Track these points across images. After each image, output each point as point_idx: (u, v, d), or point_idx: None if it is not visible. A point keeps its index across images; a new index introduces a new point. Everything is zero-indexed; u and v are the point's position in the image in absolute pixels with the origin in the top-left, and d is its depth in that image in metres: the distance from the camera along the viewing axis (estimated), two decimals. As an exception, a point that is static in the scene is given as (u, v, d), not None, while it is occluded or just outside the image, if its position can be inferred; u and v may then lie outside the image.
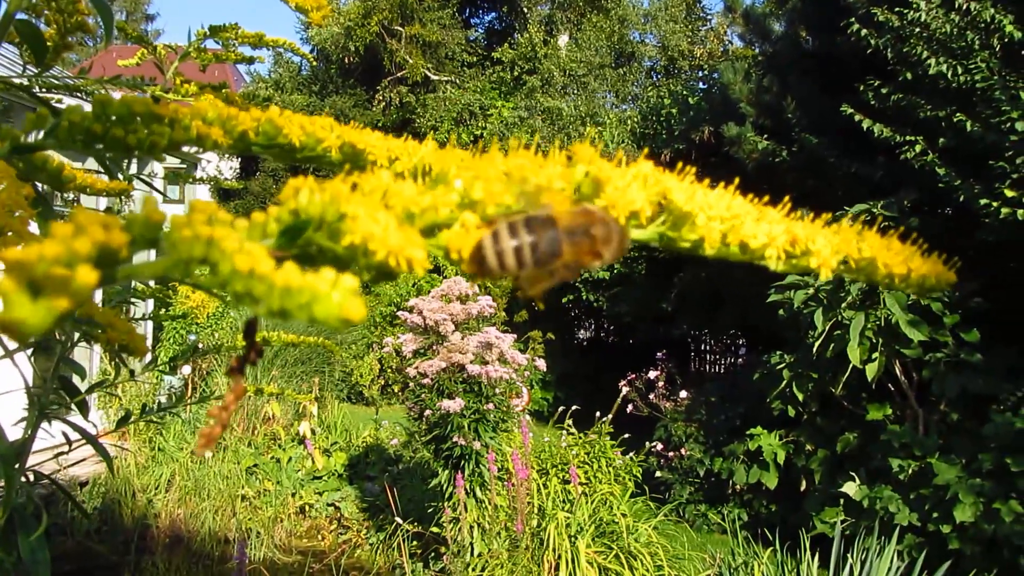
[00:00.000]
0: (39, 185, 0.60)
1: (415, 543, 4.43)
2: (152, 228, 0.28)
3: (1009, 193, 4.08)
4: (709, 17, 15.83)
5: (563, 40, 15.00)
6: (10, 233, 0.40)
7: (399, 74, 14.48)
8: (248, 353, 0.34)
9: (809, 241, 0.39)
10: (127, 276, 0.27)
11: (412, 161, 0.47)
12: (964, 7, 4.47)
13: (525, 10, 15.65)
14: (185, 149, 0.45)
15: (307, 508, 5.43)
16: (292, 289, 0.25)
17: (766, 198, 0.41)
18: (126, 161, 1.15)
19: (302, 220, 0.29)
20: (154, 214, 0.28)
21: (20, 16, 0.62)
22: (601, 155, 0.41)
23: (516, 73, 14.16)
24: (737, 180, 0.42)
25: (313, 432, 6.11)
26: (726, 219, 0.39)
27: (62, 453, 1.02)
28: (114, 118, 0.40)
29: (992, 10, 4.32)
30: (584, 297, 9.55)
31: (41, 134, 0.42)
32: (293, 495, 5.45)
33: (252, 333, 0.34)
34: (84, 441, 0.95)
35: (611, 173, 0.38)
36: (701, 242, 0.39)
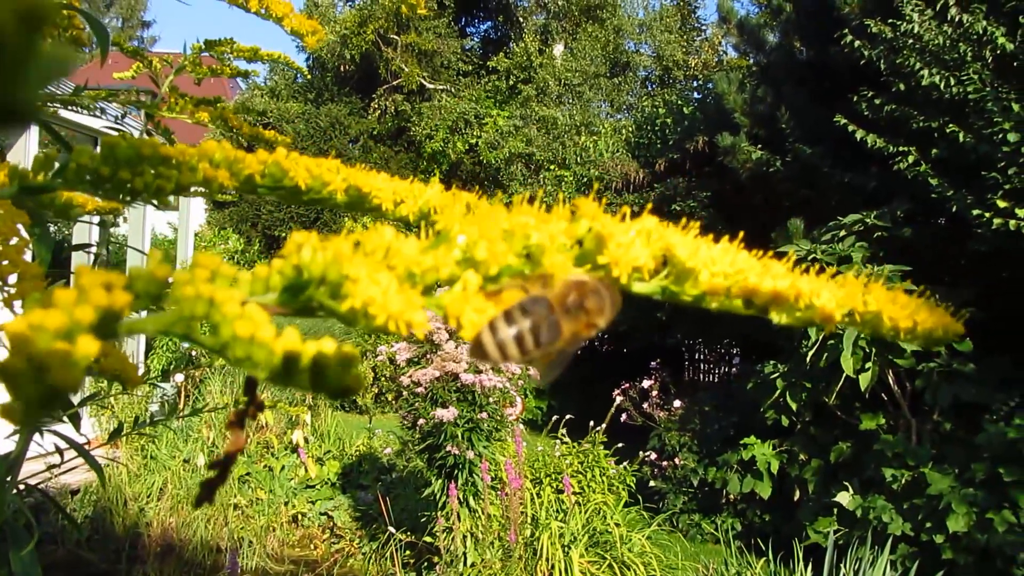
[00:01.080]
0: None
1: (408, 552, 4.41)
2: (156, 284, 0.28)
3: (1001, 204, 4.09)
4: (704, 28, 15.91)
5: (558, 50, 15.06)
6: (5, 262, 0.40)
7: (395, 82, 14.51)
8: (248, 408, 0.34)
9: (814, 296, 0.39)
10: (128, 331, 0.26)
11: (417, 204, 0.47)
12: (956, 19, 4.50)
13: (521, 20, 15.70)
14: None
15: (300, 517, 5.40)
16: (292, 357, 0.25)
17: (770, 253, 0.41)
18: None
19: (304, 279, 0.30)
20: (158, 270, 0.28)
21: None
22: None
23: (511, 82, 14.20)
24: (741, 234, 0.42)
25: (306, 441, 6.09)
26: (730, 274, 0.39)
27: (54, 465, 1.02)
28: (122, 160, 0.41)
29: (984, 22, 4.35)
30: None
31: (50, 175, 0.42)
32: (286, 504, 5.42)
33: (253, 390, 0.35)
34: (75, 454, 0.94)
35: (614, 229, 0.38)
36: (704, 297, 0.39)
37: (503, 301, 0.36)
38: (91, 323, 0.23)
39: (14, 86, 0.19)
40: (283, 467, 5.73)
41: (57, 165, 0.41)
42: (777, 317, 0.40)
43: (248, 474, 5.56)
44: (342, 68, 14.62)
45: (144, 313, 0.28)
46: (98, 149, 0.41)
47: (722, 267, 0.39)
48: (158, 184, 0.41)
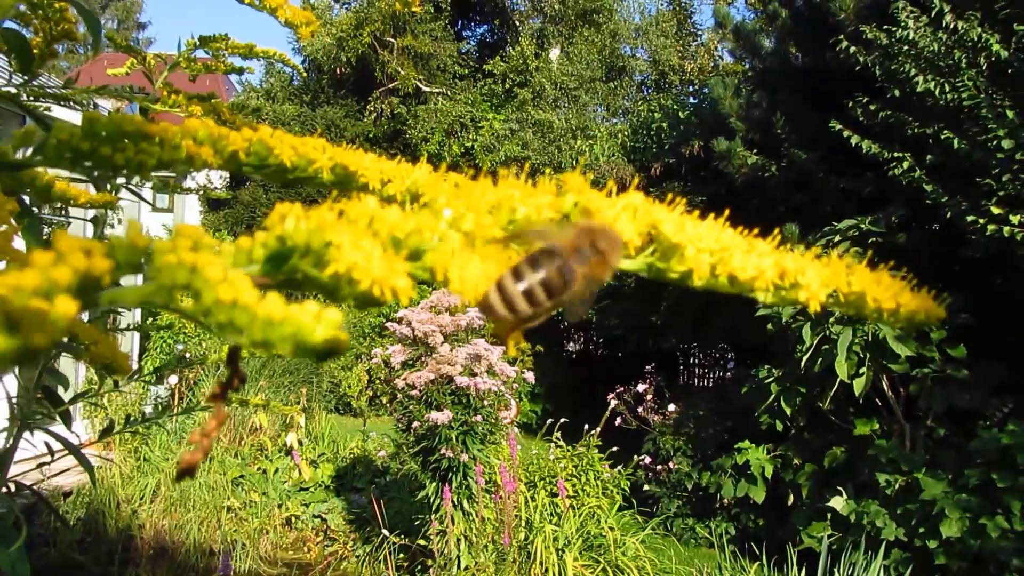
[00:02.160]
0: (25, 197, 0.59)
1: (402, 556, 4.40)
2: (136, 253, 0.27)
3: (995, 210, 4.11)
4: (700, 32, 15.93)
5: (554, 53, 15.07)
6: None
7: (390, 85, 14.51)
8: (231, 379, 0.34)
9: (799, 274, 0.39)
10: (110, 302, 0.26)
11: (405, 184, 0.47)
12: (951, 26, 4.52)
13: (517, 23, 15.72)
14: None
15: (293, 520, 5.39)
16: (275, 321, 0.25)
17: (756, 230, 0.41)
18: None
19: (288, 247, 0.29)
20: (138, 239, 0.27)
21: (7, 24, 0.62)
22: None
23: (507, 86, 14.21)
24: (727, 211, 0.42)
25: (300, 443, 6.08)
26: (715, 251, 0.39)
27: (44, 464, 1.01)
28: (103, 135, 0.40)
29: (979, 29, 4.36)
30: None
31: (30, 151, 0.41)
32: (279, 507, 5.41)
33: (235, 360, 0.34)
34: (67, 452, 0.94)
35: (600, 203, 0.39)
36: (690, 273, 0.39)
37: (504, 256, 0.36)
38: (69, 284, 0.23)
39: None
40: (277, 469, 5.72)
41: (36, 144, 0.41)
42: (763, 296, 0.40)
43: (242, 476, 5.55)
44: (338, 71, 14.61)
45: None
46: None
47: (708, 244, 0.39)
48: (140, 159, 0.40)
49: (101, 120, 0.40)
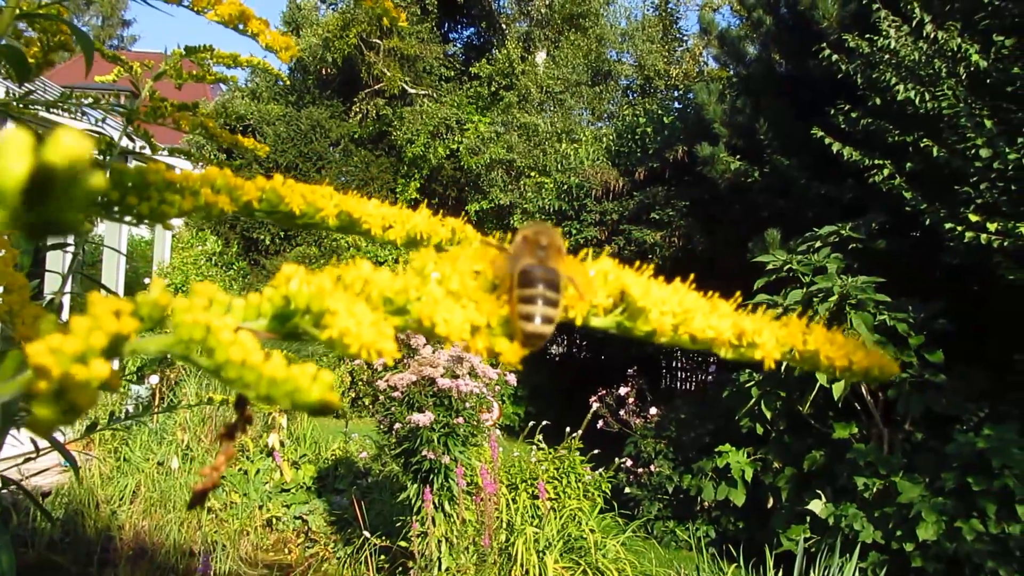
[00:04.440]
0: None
1: (383, 557, 4.40)
2: (159, 310, 0.31)
3: (973, 217, 4.16)
4: (685, 38, 16.01)
5: (540, 57, 15.11)
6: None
7: (376, 86, 14.49)
8: (238, 423, 0.38)
9: (755, 334, 0.43)
10: (131, 352, 0.30)
11: (405, 228, 0.51)
12: (932, 36, 4.58)
13: (503, 26, 15.75)
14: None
15: (274, 521, 5.37)
16: (277, 380, 0.29)
17: (715, 293, 0.44)
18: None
19: (291, 309, 0.33)
20: (161, 298, 0.31)
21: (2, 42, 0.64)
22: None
23: (493, 88, 14.23)
24: (693, 275, 0.46)
25: (282, 444, 6.05)
26: (678, 313, 0.42)
27: (30, 459, 1.01)
28: (129, 186, 0.44)
29: (959, 39, 4.42)
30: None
31: None
32: (260, 508, 5.39)
33: (243, 407, 0.38)
34: (51, 449, 0.94)
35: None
36: (655, 332, 0.42)
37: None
38: (103, 348, 0.26)
39: (61, 212, 0.24)
40: (258, 471, 5.69)
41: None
42: (723, 352, 0.43)
43: (223, 477, 5.51)
44: (324, 71, 14.59)
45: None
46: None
47: (671, 307, 0.42)
48: (162, 209, 0.44)
49: (129, 172, 0.44)
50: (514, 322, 0.39)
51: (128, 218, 0.44)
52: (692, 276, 0.45)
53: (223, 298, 0.32)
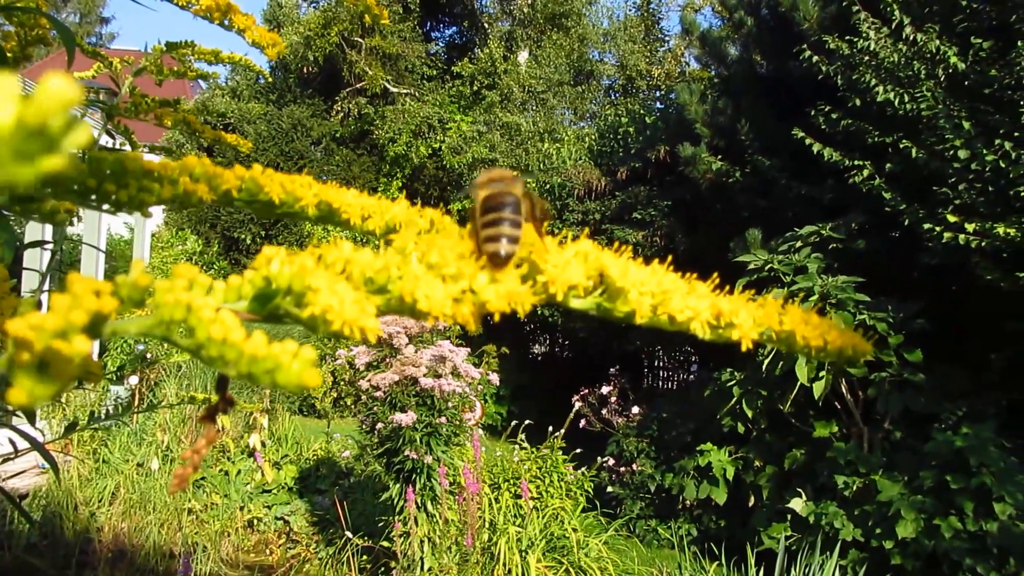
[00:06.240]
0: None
1: (365, 558, 4.39)
2: (139, 291, 0.31)
3: (951, 218, 4.21)
4: (667, 39, 16.08)
5: (523, 56, 15.11)
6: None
7: (358, 85, 14.44)
8: (219, 404, 0.38)
9: (732, 315, 0.43)
10: (112, 332, 0.29)
11: (384, 219, 0.51)
12: (911, 38, 4.62)
13: (486, 26, 15.74)
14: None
15: (255, 522, 5.34)
16: (259, 357, 0.29)
17: (694, 275, 0.45)
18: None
19: (272, 289, 0.33)
20: (141, 279, 0.31)
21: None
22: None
23: (475, 88, 14.22)
24: (670, 258, 0.47)
25: (263, 444, 6.02)
26: (656, 294, 0.42)
27: (8, 459, 1.00)
28: (108, 173, 0.43)
29: (937, 41, 4.47)
30: (539, 312, 9.58)
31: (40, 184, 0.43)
32: (241, 509, 5.35)
33: (224, 387, 0.38)
34: (30, 450, 0.93)
35: (555, 249, 0.43)
36: (633, 313, 0.43)
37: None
38: (84, 325, 0.26)
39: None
40: (239, 471, 5.66)
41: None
42: (701, 333, 0.43)
43: (203, 478, 5.48)
44: (305, 70, 14.51)
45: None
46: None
47: (650, 287, 0.42)
48: (141, 197, 0.44)
49: (107, 159, 0.43)
50: (480, 248, 0.40)
51: (106, 206, 0.44)
52: (672, 270, 0.45)
53: (204, 280, 0.32)
